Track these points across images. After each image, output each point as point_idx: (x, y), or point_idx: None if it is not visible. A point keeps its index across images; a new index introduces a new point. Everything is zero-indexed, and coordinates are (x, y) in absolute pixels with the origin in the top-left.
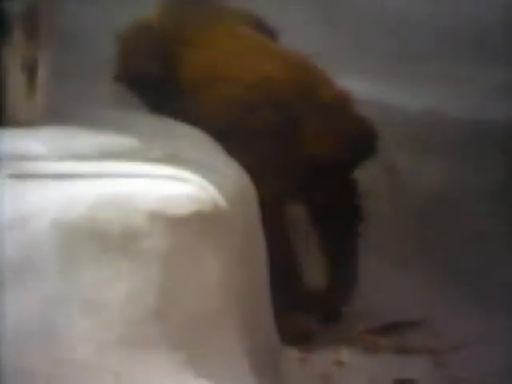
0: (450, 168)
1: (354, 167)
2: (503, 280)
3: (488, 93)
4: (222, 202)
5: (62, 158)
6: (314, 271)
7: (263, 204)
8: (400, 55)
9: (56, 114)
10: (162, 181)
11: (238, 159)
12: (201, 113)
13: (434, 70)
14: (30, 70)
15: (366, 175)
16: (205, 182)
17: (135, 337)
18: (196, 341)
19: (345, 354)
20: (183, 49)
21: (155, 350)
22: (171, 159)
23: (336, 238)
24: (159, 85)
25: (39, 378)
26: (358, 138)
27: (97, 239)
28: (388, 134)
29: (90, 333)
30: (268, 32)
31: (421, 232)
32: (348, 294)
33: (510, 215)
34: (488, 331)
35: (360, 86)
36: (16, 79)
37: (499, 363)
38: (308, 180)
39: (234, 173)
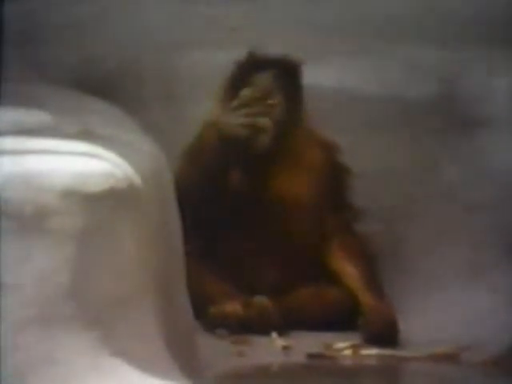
0: None
1: None
2: None
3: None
4: (136, 178)
5: None
6: None
7: None
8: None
9: None
10: (75, 157)
11: None
12: None
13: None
14: None
15: None
16: (119, 159)
17: (51, 316)
18: (111, 319)
19: None
20: None
21: (70, 329)
22: (84, 135)
23: None
24: None
25: None
26: None
27: (9, 219)
28: None
29: (6, 312)
30: None
31: None
32: None
33: None
34: None
35: None
36: None
37: None
38: None
39: (148, 148)
